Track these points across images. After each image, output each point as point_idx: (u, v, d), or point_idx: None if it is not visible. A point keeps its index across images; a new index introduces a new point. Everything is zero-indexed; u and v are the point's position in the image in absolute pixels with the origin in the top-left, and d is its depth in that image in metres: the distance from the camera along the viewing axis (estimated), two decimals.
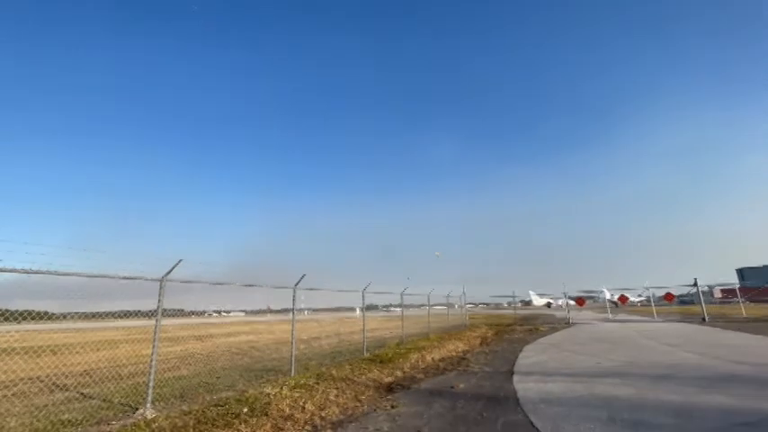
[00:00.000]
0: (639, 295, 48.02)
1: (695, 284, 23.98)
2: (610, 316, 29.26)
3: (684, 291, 28.42)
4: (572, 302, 31.19)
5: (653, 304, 29.92)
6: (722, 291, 50.40)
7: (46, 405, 6.44)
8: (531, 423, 4.79)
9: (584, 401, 5.68)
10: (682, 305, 43.43)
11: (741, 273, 74.25)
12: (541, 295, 67.26)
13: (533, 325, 23.67)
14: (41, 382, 8.71)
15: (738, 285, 36.16)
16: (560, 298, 44.93)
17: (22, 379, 9.04)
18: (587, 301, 35.91)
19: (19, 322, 5.83)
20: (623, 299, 33.14)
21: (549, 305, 68.07)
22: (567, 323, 23.95)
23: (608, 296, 35.83)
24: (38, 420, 5.44)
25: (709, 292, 49.78)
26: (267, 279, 9.12)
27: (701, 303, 22.80)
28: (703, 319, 21.26)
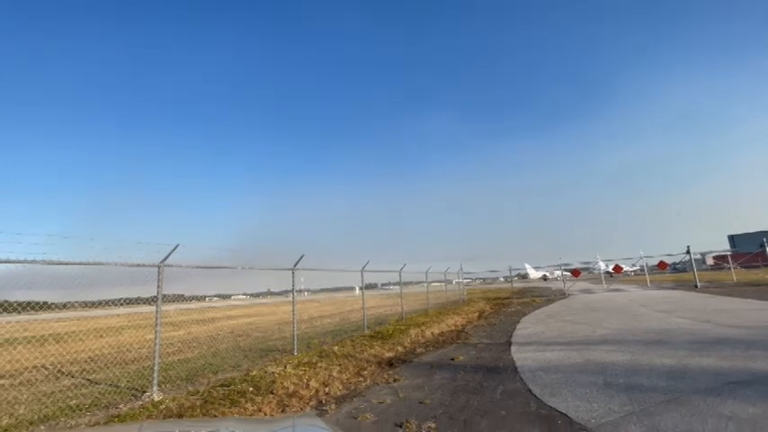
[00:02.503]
0: (633, 265, 48.79)
1: (688, 252, 24.37)
2: (605, 286, 29.84)
3: (678, 259, 28.83)
4: (568, 274, 31.68)
5: (647, 273, 30.45)
6: (714, 258, 51.37)
7: (53, 392, 6.54)
8: (530, 390, 4.93)
9: (580, 368, 5.84)
10: (675, 273, 44.32)
11: (732, 239, 75.49)
12: (537, 268, 68.24)
13: (530, 297, 24.11)
14: (47, 370, 8.82)
15: (730, 252, 36.82)
16: (556, 270, 45.61)
17: (27, 368, 9.14)
18: (583, 273, 36.56)
19: (20, 313, 5.83)
20: (618, 269, 33.68)
21: (545, 278, 69.15)
22: (562, 294, 24.42)
23: (603, 267, 36.42)
24: (46, 407, 5.53)
25: (702, 260, 50.77)
26: (266, 262, 9.15)
27: (693, 270, 23.25)
28: (695, 286, 21.74)
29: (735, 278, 25.65)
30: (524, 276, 70.45)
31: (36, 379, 7.84)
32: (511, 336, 9.63)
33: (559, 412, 4.05)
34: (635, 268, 52.83)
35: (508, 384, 5.30)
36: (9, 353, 11.35)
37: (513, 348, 7.89)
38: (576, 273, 32.31)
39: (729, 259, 30.72)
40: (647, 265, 31.27)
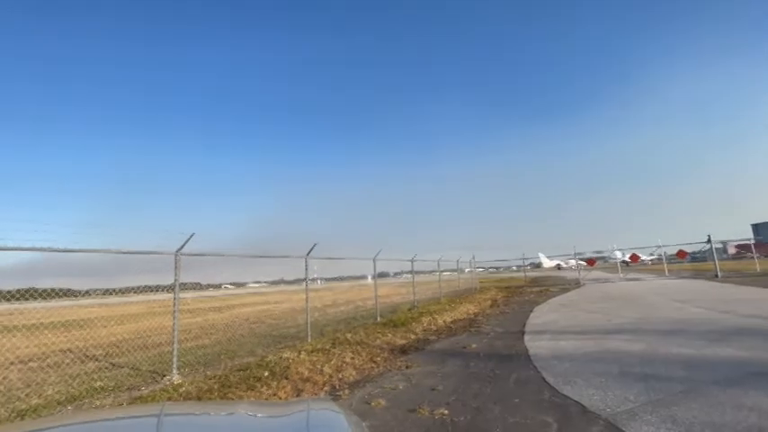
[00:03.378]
0: (651, 254, 47.78)
1: (708, 241, 23.72)
2: (621, 275, 29.34)
3: (698, 248, 28.10)
4: (582, 263, 31.25)
5: (665, 262, 29.79)
6: (736, 246, 49.83)
7: (79, 374, 6.80)
8: (543, 379, 4.91)
9: (595, 357, 5.79)
10: (694, 262, 43.27)
11: (756, 228, 73.16)
12: (551, 257, 67.45)
13: (543, 286, 23.91)
14: (72, 353, 9.18)
15: (753, 240, 35.72)
16: (570, 259, 45.00)
17: (54, 351, 9.53)
18: (598, 262, 35.99)
19: (45, 299, 6.06)
20: (634, 258, 33.05)
21: (559, 267, 68.40)
22: (577, 284, 24.13)
23: (619, 256, 35.75)
24: (73, 388, 5.77)
25: (723, 249, 49.34)
26: (280, 250, 9.27)
27: (713, 259, 22.65)
28: (716, 275, 21.20)
29: (758, 268, 24.90)
30: (538, 265, 69.80)
31: (63, 362, 8.16)
32: (524, 324, 9.59)
33: (573, 401, 4.03)
34: (652, 257, 51.73)
35: (521, 372, 5.29)
36: (37, 337, 11.84)
37: (526, 337, 7.86)
38: (591, 262, 31.87)
39: (752, 248, 29.82)
40: (665, 254, 30.60)
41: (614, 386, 4.38)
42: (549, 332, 8.27)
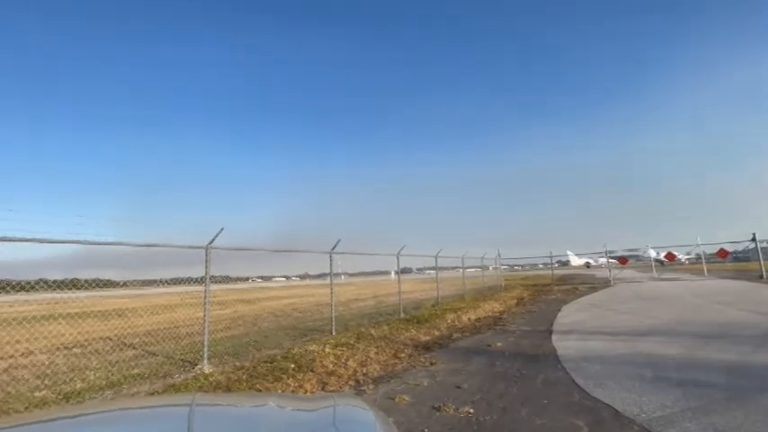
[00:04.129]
0: (688, 253, 45.47)
1: (753, 239, 22.28)
2: (655, 275, 28.07)
3: (741, 247, 26.45)
4: (614, 262, 30.08)
5: (704, 262, 28.22)
6: None
7: (117, 361, 7.18)
8: (573, 380, 4.77)
9: (627, 360, 5.56)
10: (736, 262, 40.81)
11: None
12: (580, 255, 65.30)
13: (572, 285, 23.21)
14: (111, 341, 9.70)
15: None
16: (601, 258, 43.44)
17: (95, 339, 10.10)
18: (630, 261, 34.57)
19: (85, 290, 6.41)
20: (670, 256, 31.56)
21: (588, 265, 66.17)
22: (608, 283, 23.28)
23: (653, 254, 34.18)
24: (112, 374, 6.09)
25: None
26: (305, 245, 9.42)
27: (759, 259, 21.26)
28: (761, 276, 19.91)
29: None
30: (566, 263, 67.78)
31: (103, 349, 8.64)
32: (551, 324, 9.34)
33: (605, 404, 3.89)
34: (690, 257, 49.26)
35: (549, 373, 5.16)
36: (80, 325, 12.58)
37: (553, 337, 7.65)
38: (623, 260, 30.67)
39: None
40: (704, 254, 29.00)
41: (649, 390, 4.19)
42: (577, 332, 8.02)
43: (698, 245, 26.83)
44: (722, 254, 26.25)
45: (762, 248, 22.23)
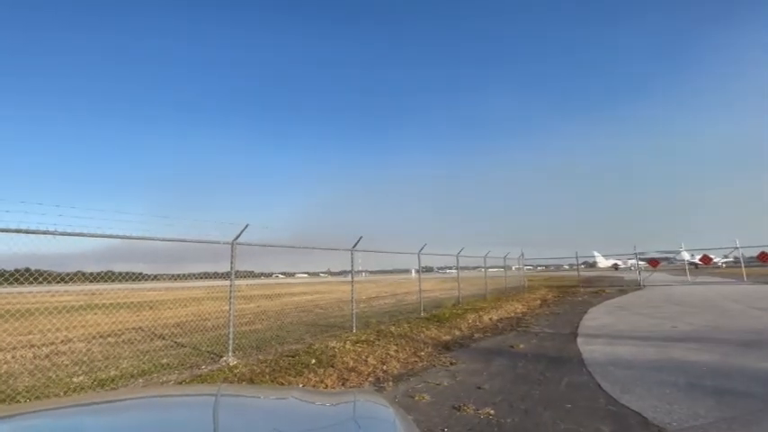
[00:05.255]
0: (725, 256, 43.15)
1: None
2: (689, 278, 26.79)
3: None
4: (644, 264, 28.90)
5: (743, 265, 26.68)
6: None
7: (148, 351, 7.50)
8: (598, 385, 4.62)
9: (658, 366, 5.34)
10: None
11: None
12: (607, 256, 63.13)
13: (599, 287, 22.47)
14: (143, 331, 10.13)
15: None
16: (630, 259, 41.83)
17: (128, 329, 10.59)
18: (662, 263, 33.11)
19: (120, 282, 6.71)
20: (706, 259, 29.99)
21: (616, 267, 63.92)
22: (637, 285, 22.40)
23: (687, 257, 32.61)
24: (143, 363, 6.37)
25: None
26: (327, 242, 9.53)
27: None
28: None
29: None
30: (592, 265, 65.69)
31: (135, 339, 9.04)
32: (577, 326, 9.08)
33: (633, 411, 3.75)
34: (727, 260, 46.75)
35: (574, 377, 5.02)
36: (114, 315, 13.22)
37: (579, 340, 7.44)
38: (653, 263, 29.40)
39: None
40: (743, 257, 27.41)
41: (681, 399, 4.01)
42: (604, 336, 7.76)
43: (736, 247, 25.39)
44: (764, 257, 24.75)
45: None
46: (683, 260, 32.61)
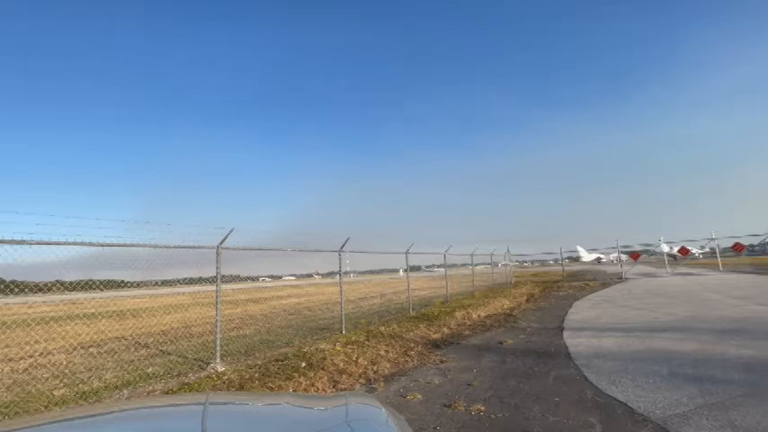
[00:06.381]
0: (702, 247, 44.66)
1: None
2: (668, 270, 27.62)
3: (757, 240, 25.83)
4: (625, 257, 29.65)
5: (719, 256, 27.66)
6: None
7: (132, 360, 7.31)
8: (585, 377, 4.72)
9: (641, 356, 5.49)
10: (753, 256, 39.93)
11: None
12: (590, 250, 64.56)
13: (583, 281, 22.95)
14: (126, 340, 9.87)
15: None
16: (612, 252, 42.84)
17: (110, 338, 10.30)
18: (643, 255, 33.99)
19: (101, 290, 6.52)
20: (684, 251, 30.97)
21: (599, 260, 65.39)
22: (619, 278, 22.98)
23: (666, 249, 33.60)
24: (128, 373, 6.20)
25: None
26: (314, 244, 9.46)
27: None
28: None
29: None
30: (576, 259, 67.11)
31: (118, 348, 8.80)
32: (562, 320, 9.25)
33: (619, 401, 3.85)
34: (704, 251, 48.37)
35: (561, 370, 5.12)
36: (95, 325, 12.84)
37: (565, 333, 7.58)
38: (634, 255, 30.18)
39: None
40: (718, 248, 28.41)
41: (664, 387, 4.13)
42: (589, 329, 7.93)
43: (712, 238, 26.30)
44: (738, 248, 25.70)
45: None
46: (663, 252, 33.59)
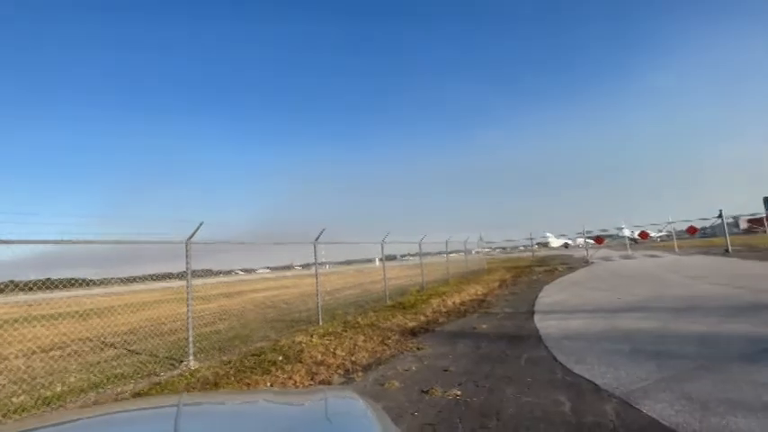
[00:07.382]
0: (660, 230, 47.37)
1: (720, 216, 23.35)
2: (630, 252, 29.19)
3: (709, 223, 27.64)
4: (590, 242, 31.04)
5: (674, 239, 29.47)
6: (748, 221, 49.11)
7: (98, 362, 7.00)
8: (554, 358, 4.94)
9: (606, 336, 5.80)
10: (705, 238, 42.77)
11: None
12: (559, 236, 67.13)
13: (551, 266, 23.86)
14: (91, 341, 9.44)
15: (765, 215, 35.08)
16: (578, 238, 44.78)
17: (73, 340, 9.81)
18: (606, 240, 35.71)
19: (60, 290, 6.17)
20: (644, 235, 32.73)
21: (566, 246, 68.09)
22: (585, 262, 24.04)
23: (628, 233, 35.46)
24: (94, 375, 5.95)
25: (735, 223, 48.61)
26: (289, 236, 9.32)
27: (725, 235, 22.34)
28: (726, 251, 20.98)
29: None
30: (545, 245, 69.58)
31: (83, 350, 8.41)
32: (533, 304, 9.60)
33: (586, 379, 4.05)
34: (662, 234, 51.32)
35: (532, 352, 5.32)
36: (57, 327, 12.18)
37: (535, 317, 7.88)
38: (599, 240, 31.62)
39: (765, 222, 29.34)
40: (674, 231, 30.25)
41: (626, 364, 4.39)
42: (558, 312, 8.28)
43: (669, 222, 27.94)
44: (691, 230, 27.44)
45: (727, 224, 23.35)
46: (625, 236, 35.42)
